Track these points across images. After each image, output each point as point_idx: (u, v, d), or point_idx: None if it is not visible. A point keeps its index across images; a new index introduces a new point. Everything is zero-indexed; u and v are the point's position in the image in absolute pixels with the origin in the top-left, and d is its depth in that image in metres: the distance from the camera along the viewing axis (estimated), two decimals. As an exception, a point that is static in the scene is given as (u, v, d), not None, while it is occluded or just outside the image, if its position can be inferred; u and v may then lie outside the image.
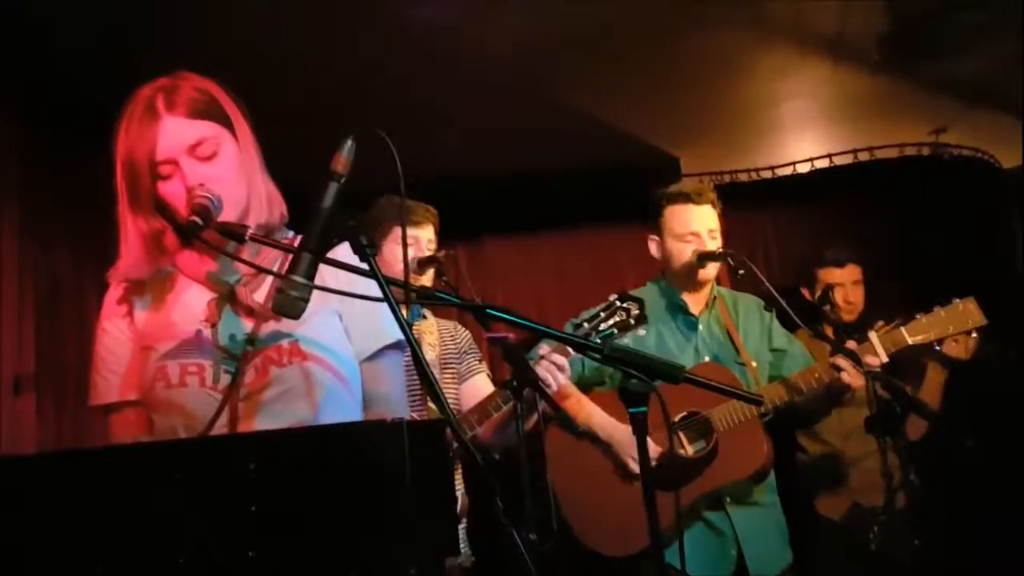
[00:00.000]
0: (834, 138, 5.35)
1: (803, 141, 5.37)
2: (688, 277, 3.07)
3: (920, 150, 5.38)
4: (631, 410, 1.52)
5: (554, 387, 2.65)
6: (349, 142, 1.47)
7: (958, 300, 2.98)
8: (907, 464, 3.12)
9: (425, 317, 3.14)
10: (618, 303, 2.61)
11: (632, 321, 2.59)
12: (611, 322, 2.59)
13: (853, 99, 4.77)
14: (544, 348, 2.75)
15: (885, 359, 2.86)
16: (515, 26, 3.72)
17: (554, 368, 2.64)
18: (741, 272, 2.99)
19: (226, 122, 1.74)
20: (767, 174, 5.57)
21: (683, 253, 3.04)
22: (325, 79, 3.89)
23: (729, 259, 3.03)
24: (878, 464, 3.08)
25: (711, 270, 3.06)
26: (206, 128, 1.70)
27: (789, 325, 3.14)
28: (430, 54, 3.85)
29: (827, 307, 3.55)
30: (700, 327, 3.09)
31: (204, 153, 1.69)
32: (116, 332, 1.82)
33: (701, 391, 2.67)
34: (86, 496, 1.22)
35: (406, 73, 3.98)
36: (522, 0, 3.52)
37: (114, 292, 1.84)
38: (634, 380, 1.50)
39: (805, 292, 3.84)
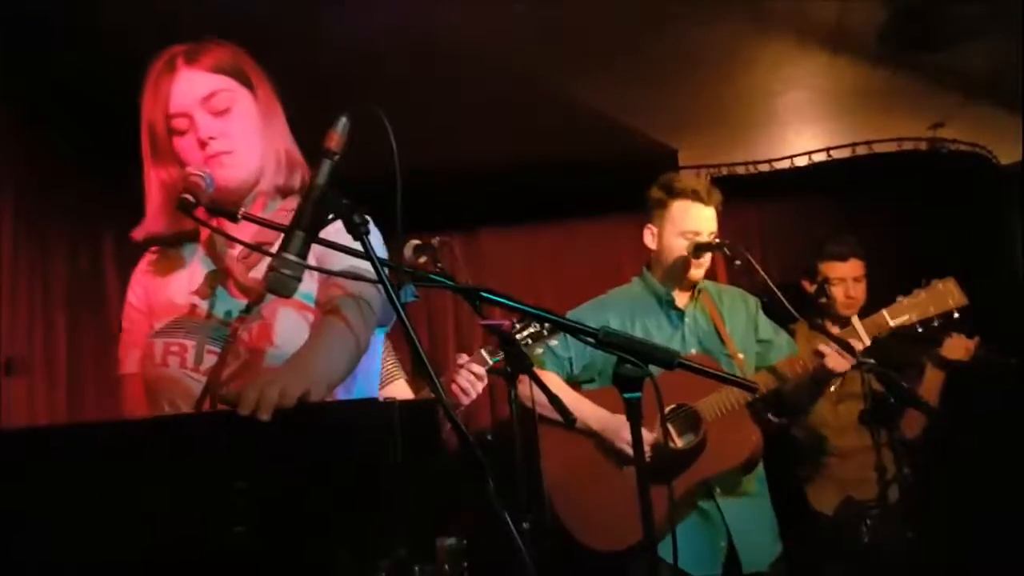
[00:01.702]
0: (832, 131, 5.34)
1: (801, 134, 5.36)
2: (680, 274, 3.06)
3: (918, 144, 5.37)
4: (626, 395, 1.51)
5: (473, 396, 2.70)
6: (343, 120, 1.46)
7: (938, 281, 2.95)
8: (901, 457, 3.12)
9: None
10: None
11: (544, 332, 2.63)
12: (524, 334, 2.63)
13: (851, 92, 4.76)
14: (463, 357, 2.77)
15: (868, 343, 2.86)
16: (513, 18, 3.71)
17: (473, 377, 2.68)
18: (738, 263, 2.99)
19: (245, 80, 1.75)
20: (765, 167, 5.56)
21: (681, 250, 3.03)
22: (323, 71, 3.87)
23: (726, 250, 3.02)
24: (869, 457, 3.08)
25: (702, 269, 3.05)
26: (221, 81, 1.71)
27: (786, 317, 3.14)
28: (428, 45, 3.84)
29: (823, 299, 3.54)
30: (687, 319, 3.08)
31: (218, 106, 1.69)
32: (136, 303, 1.84)
33: (688, 383, 2.71)
34: (73, 471, 1.22)
35: (404, 65, 3.97)
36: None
37: (140, 265, 1.86)
38: (628, 365, 1.49)
39: (806, 283, 3.82)
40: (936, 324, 2.96)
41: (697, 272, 3.05)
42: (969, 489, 4.04)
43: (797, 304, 2.93)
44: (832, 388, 3.14)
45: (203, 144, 1.67)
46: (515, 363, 2.47)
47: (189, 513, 1.16)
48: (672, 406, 2.88)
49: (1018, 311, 4.48)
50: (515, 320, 2.65)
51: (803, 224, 5.41)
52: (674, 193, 3.05)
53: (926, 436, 3.68)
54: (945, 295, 2.93)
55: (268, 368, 1.60)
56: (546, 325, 2.64)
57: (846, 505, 3.57)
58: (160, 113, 1.68)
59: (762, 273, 2.99)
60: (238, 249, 1.76)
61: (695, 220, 3.02)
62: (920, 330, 2.97)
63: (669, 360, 1.53)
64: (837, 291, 3.67)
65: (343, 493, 1.18)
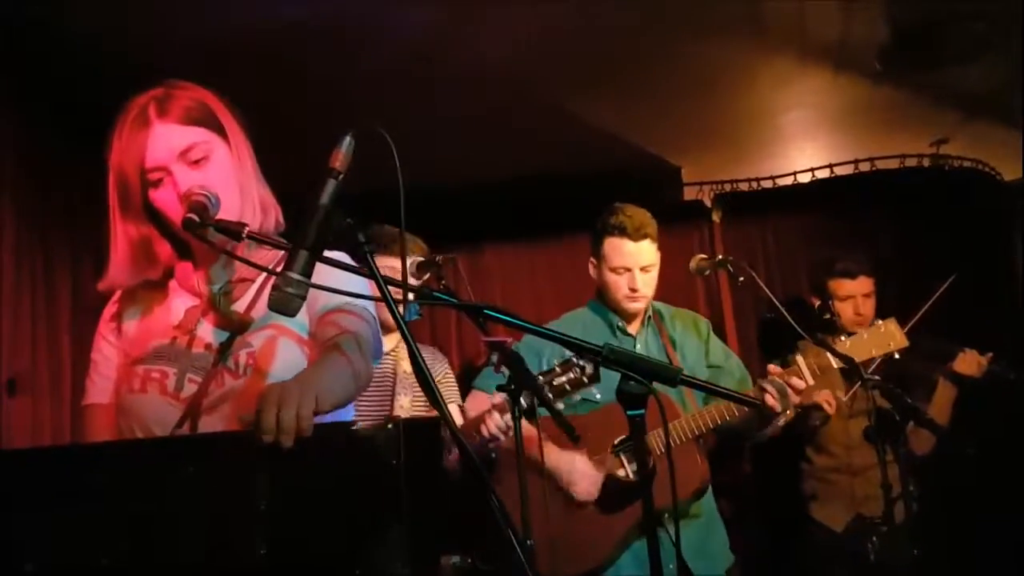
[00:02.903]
0: (835, 148, 5.35)
1: (804, 151, 5.37)
2: (617, 309, 3.08)
3: (921, 161, 5.37)
4: (629, 412, 1.51)
5: (502, 440, 2.67)
6: (348, 139, 1.46)
7: (880, 321, 2.92)
8: (907, 474, 3.11)
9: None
10: (575, 360, 2.63)
11: (585, 380, 2.63)
12: (564, 379, 2.62)
13: (854, 109, 4.78)
14: (497, 397, 2.74)
15: (812, 382, 2.77)
16: (516, 34, 3.73)
17: (502, 424, 2.66)
18: (741, 279, 2.99)
19: (219, 129, 1.74)
20: (768, 183, 5.57)
21: (616, 286, 3.04)
22: (324, 86, 3.89)
23: (729, 267, 3.03)
24: (879, 475, 3.07)
25: (636, 304, 3.05)
26: (197, 134, 1.70)
27: (790, 333, 3.13)
28: (430, 61, 3.85)
29: (827, 316, 3.54)
30: (638, 345, 3.08)
31: (194, 158, 1.69)
32: (110, 337, 1.84)
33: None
34: (97, 488, 1.23)
35: (406, 81, 3.98)
36: (523, 7, 3.52)
37: (112, 301, 1.86)
38: (632, 382, 1.50)
39: (815, 300, 3.82)
40: (877, 363, 2.91)
41: (633, 305, 3.05)
42: (972, 499, 4.03)
43: (802, 320, 2.92)
44: (781, 423, 3.08)
45: (183, 195, 1.66)
46: (519, 380, 2.47)
47: (208, 532, 1.16)
48: (621, 437, 2.88)
49: (1021, 324, 4.48)
50: (556, 365, 2.64)
51: (807, 240, 5.42)
52: (605, 229, 3.07)
53: (934, 453, 3.67)
54: (887, 337, 2.88)
55: (272, 385, 1.60)
56: (587, 372, 2.63)
57: (856, 522, 3.56)
58: (134, 167, 1.67)
59: (765, 289, 3.00)
60: (218, 284, 1.77)
61: (623, 256, 3.02)
62: (865, 376, 2.91)
63: (672, 377, 1.53)
64: (846, 308, 3.67)
65: (347, 512, 1.18)
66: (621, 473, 2.86)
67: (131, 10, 3.21)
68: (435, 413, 3.03)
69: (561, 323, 3.19)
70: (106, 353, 1.84)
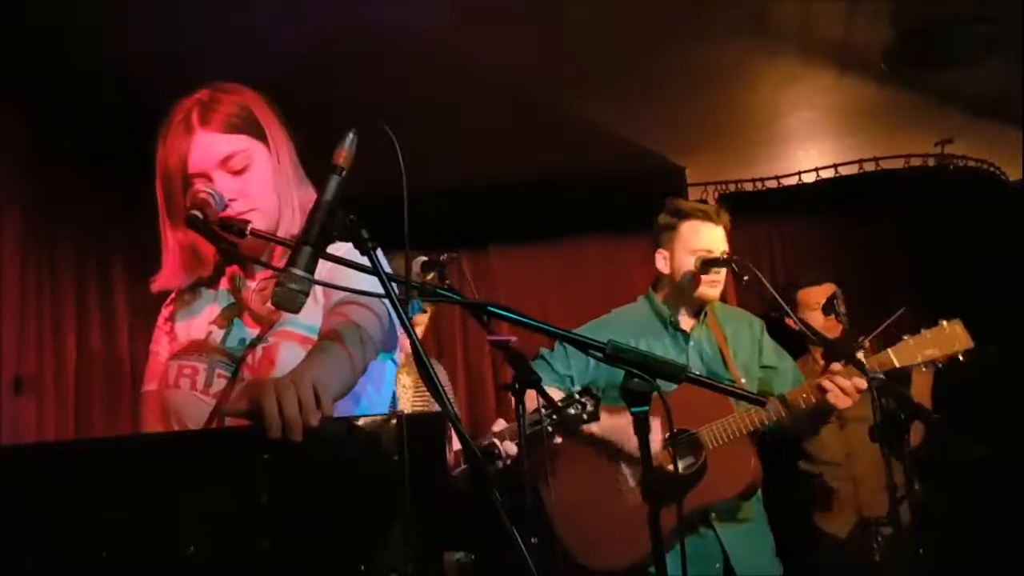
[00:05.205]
0: (840, 148, 5.34)
1: (809, 151, 5.36)
2: (691, 294, 3.05)
3: (926, 161, 5.37)
4: (633, 409, 1.51)
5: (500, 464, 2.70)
6: (351, 135, 1.46)
7: (945, 322, 2.82)
8: (911, 473, 3.10)
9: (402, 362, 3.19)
10: (577, 396, 2.63)
11: (585, 417, 2.63)
12: (567, 413, 2.62)
13: (859, 110, 4.77)
14: (499, 424, 2.75)
15: (866, 385, 2.75)
16: (519, 36, 3.73)
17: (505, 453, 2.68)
18: (746, 279, 2.98)
19: (260, 135, 1.77)
20: (772, 184, 5.57)
21: (692, 268, 3.01)
22: (327, 95, 3.89)
23: (734, 266, 3.02)
24: (881, 477, 3.06)
25: (716, 288, 3.03)
26: (238, 142, 1.73)
27: (793, 333, 3.13)
28: (433, 65, 3.86)
29: (833, 315, 3.54)
30: (692, 342, 3.06)
31: (236, 167, 1.72)
32: (165, 327, 1.88)
33: (691, 409, 2.71)
34: (97, 484, 1.23)
35: (408, 85, 3.99)
36: (526, 10, 3.53)
37: (168, 302, 1.91)
38: (636, 379, 1.49)
39: (790, 322, 3.84)
40: (940, 366, 2.83)
41: (711, 291, 3.02)
42: (978, 504, 4.03)
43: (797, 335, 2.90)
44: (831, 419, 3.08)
45: (196, 193, 1.69)
46: (523, 377, 2.47)
47: (210, 527, 1.16)
48: (673, 430, 2.87)
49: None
50: (560, 400, 2.64)
51: (811, 240, 5.42)
52: (683, 215, 3.05)
53: (926, 444, 3.67)
54: (952, 338, 2.80)
55: (263, 380, 1.60)
56: (587, 408, 2.64)
57: (860, 527, 3.56)
58: (178, 173, 1.71)
59: (770, 289, 3.00)
60: (256, 282, 1.81)
61: (706, 239, 3.01)
62: (924, 369, 2.87)
63: (676, 374, 1.53)
64: (818, 315, 3.70)
65: (350, 507, 1.18)
66: (671, 467, 2.84)
67: (132, 13, 3.22)
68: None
69: (611, 317, 3.17)
70: (160, 341, 1.88)
